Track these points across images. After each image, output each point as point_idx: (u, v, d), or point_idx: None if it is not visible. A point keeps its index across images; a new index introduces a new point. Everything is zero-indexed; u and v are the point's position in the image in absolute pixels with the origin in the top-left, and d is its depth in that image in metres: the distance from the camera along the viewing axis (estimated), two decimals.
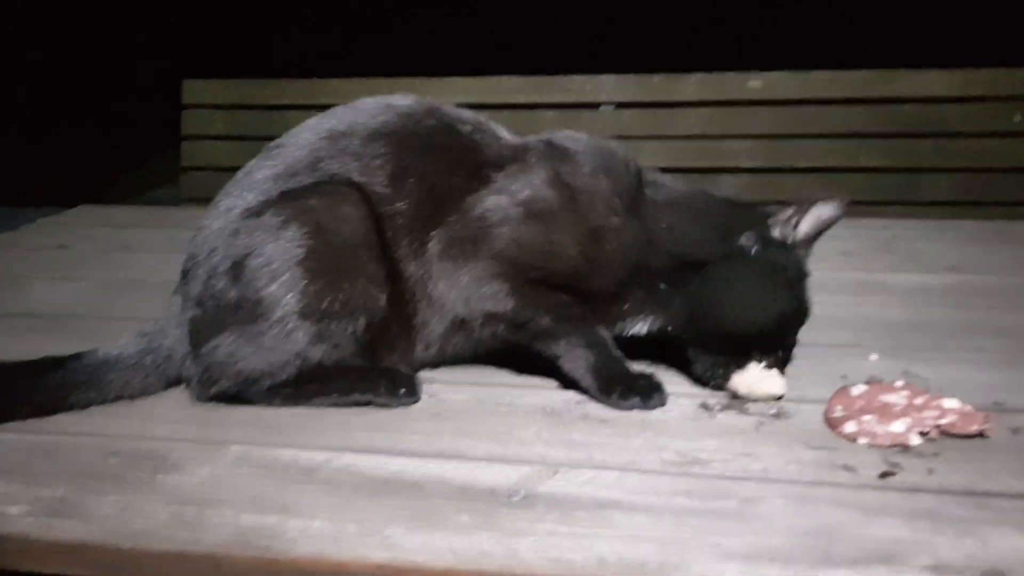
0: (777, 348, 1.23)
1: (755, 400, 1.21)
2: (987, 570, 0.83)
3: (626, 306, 1.27)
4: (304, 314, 1.17)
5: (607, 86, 3.09)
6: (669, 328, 1.27)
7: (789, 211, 1.24)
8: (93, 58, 3.23)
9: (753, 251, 1.24)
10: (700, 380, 1.26)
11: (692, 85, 3.05)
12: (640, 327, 1.28)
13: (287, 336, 1.17)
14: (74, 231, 2.20)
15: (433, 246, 1.22)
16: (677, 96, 3.03)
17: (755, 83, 3.03)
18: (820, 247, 2.00)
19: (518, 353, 1.29)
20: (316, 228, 1.18)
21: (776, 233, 1.24)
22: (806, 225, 1.24)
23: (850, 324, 1.49)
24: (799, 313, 1.26)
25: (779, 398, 1.21)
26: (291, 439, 1.13)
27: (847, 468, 1.03)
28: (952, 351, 1.36)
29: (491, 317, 1.23)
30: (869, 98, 3.01)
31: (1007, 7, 3.06)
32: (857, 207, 2.86)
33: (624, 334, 1.28)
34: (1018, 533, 0.89)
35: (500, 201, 1.23)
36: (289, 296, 1.16)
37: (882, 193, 2.95)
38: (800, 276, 1.26)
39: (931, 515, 0.93)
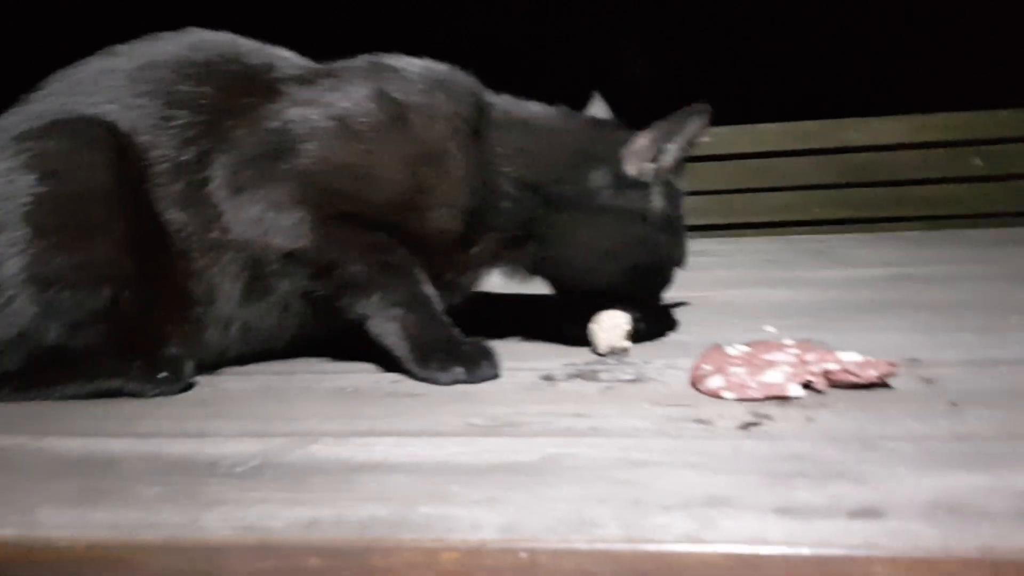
0: (638, 298, 1.02)
1: (608, 352, 1.00)
2: (857, 509, 0.57)
3: (472, 251, 1.03)
4: (28, 280, 0.92)
5: None
6: (520, 278, 1.05)
7: (645, 140, 1.02)
8: None
9: (604, 195, 1.02)
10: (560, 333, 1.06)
11: None
12: (487, 277, 1.05)
13: (6, 308, 0.92)
14: None
15: (217, 178, 0.97)
16: None
17: (704, 138, 2.87)
18: (743, 258, 1.79)
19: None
20: (48, 175, 0.94)
21: (631, 169, 1.02)
22: (668, 155, 1.02)
23: (751, 308, 1.25)
24: (666, 263, 1.05)
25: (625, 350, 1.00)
26: None
27: (700, 421, 0.77)
28: (865, 321, 1.13)
29: (289, 258, 0.97)
30: (820, 149, 2.87)
31: (959, 52, 2.93)
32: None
33: (468, 287, 1.05)
34: (912, 474, 0.63)
35: (307, 112, 0.99)
36: (6, 257, 0.92)
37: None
38: (665, 219, 1.03)
39: (795, 458, 0.67)
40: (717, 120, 2.94)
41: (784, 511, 0.56)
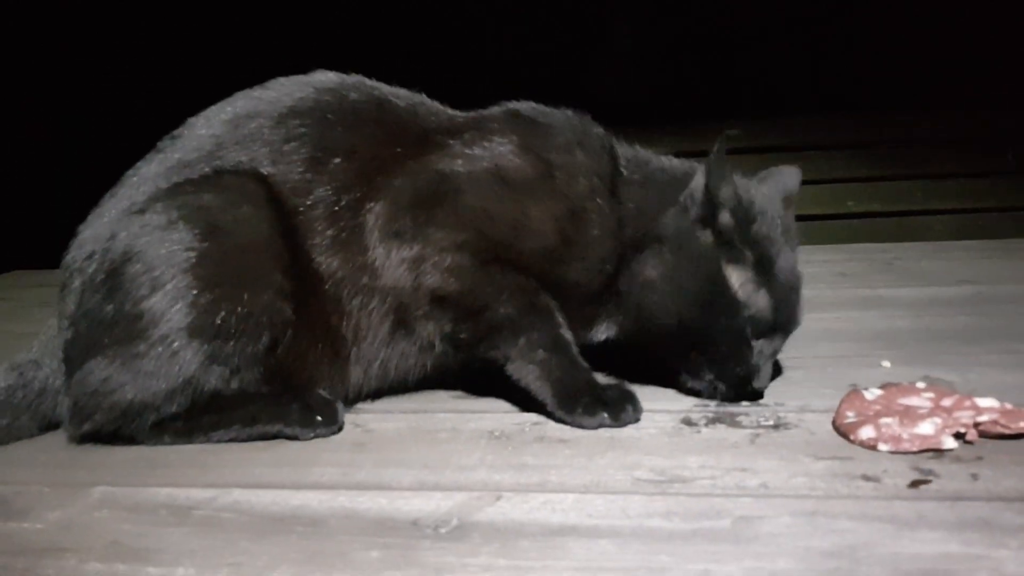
0: (728, 344, 1.00)
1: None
2: None
3: (598, 307, 1.07)
4: (193, 331, 0.95)
5: None
6: (623, 333, 1.08)
7: (701, 179, 1.02)
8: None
9: (675, 227, 1.03)
10: (697, 393, 1.05)
11: (667, 136, 2.92)
12: (605, 333, 1.08)
13: (172, 358, 0.95)
14: None
15: (373, 223, 1.01)
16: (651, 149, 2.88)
17: (732, 132, 2.90)
18: (814, 268, 1.82)
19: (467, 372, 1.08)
20: (209, 229, 0.97)
21: (694, 206, 1.02)
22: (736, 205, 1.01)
23: (854, 336, 1.28)
24: (729, 304, 1.00)
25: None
26: (173, 477, 0.91)
27: (868, 478, 0.81)
28: (977, 355, 1.16)
29: (439, 301, 1.01)
30: (853, 142, 2.90)
31: (993, 50, 2.93)
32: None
33: (591, 341, 1.08)
34: None
35: (458, 165, 1.02)
36: (174, 309, 0.95)
37: (872, 238, 2.80)
38: (726, 258, 1.01)
39: (985, 525, 0.70)
40: (745, 113, 2.94)
41: None
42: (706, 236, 1.01)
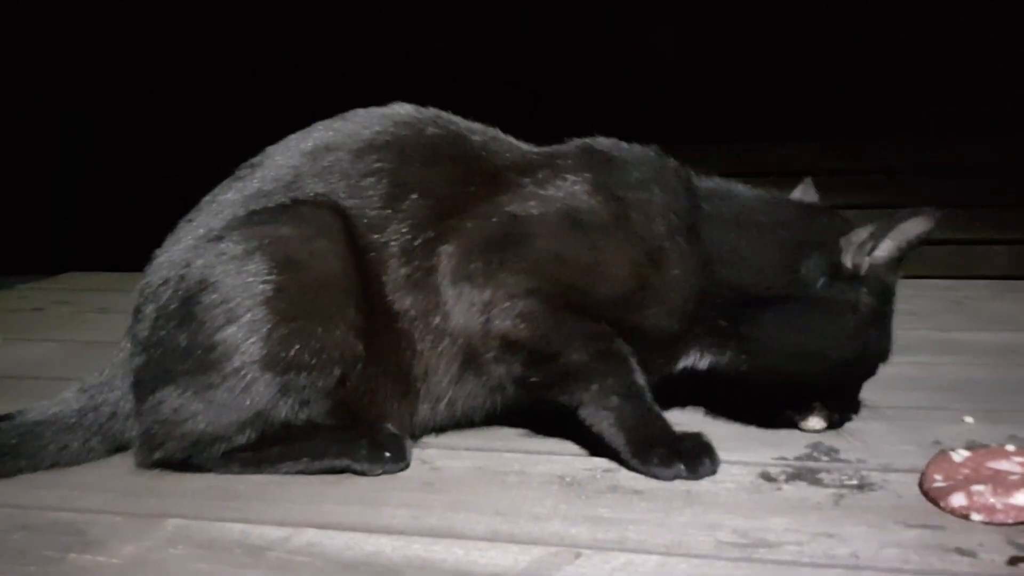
0: (840, 393, 1.05)
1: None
2: None
3: (679, 344, 1.04)
4: (267, 364, 0.94)
5: None
6: (723, 368, 1.05)
7: (864, 233, 1.00)
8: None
9: (817, 286, 1.01)
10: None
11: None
12: (691, 363, 1.06)
13: (245, 390, 0.94)
14: (52, 295, 2.02)
15: (444, 265, 1.00)
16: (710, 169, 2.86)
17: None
18: None
19: (535, 410, 1.06)
20: (286, 261, 0.96)
21: (847, 260, 1.00)
22: (884, 249, 1.00)
23: (932, 385, 1.24)
24: (870, 357, 1.05)
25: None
26: (244, 512, 0.90)
27: (963, 552, 0.77)
28: None
29: (510, 346, 0.98)
30: (913, 167, 2.85)
31: None
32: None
33: (671, 373, 1.05)
34: None
35: (531, 207, 1.01)
36: (249, 342, 0.94)
37: (930, 268, 2.75)
38: (873, 314, 1.02)
39: None
40: (803, 137, 2.90)
41: None
42: (853, 295, 1.01)
